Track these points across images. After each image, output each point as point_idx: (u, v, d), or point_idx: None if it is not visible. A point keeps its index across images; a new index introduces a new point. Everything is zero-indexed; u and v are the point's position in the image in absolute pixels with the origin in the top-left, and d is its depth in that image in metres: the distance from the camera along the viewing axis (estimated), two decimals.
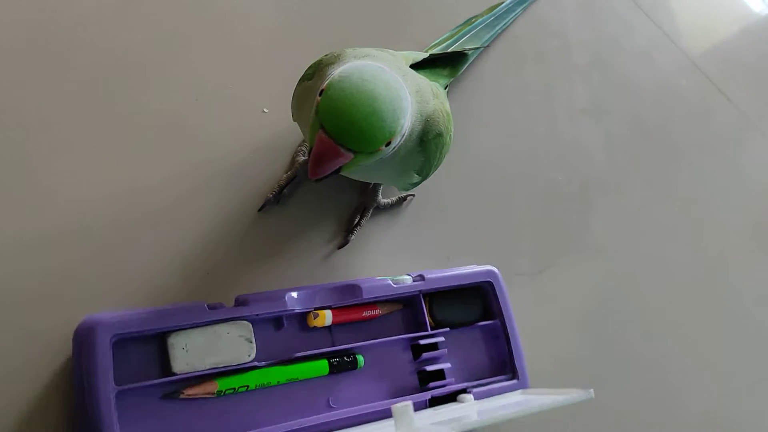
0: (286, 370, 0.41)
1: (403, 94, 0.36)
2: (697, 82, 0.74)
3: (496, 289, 0.48)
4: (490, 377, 0.48)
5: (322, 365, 0.42)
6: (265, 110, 0.50)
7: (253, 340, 0.40)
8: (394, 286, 0.45)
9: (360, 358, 0.44)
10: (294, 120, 0.45)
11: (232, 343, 0.40)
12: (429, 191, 0.53)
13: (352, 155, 0.35)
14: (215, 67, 0.50)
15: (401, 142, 0.37)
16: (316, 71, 0.41)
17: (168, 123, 0.47)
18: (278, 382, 0.41)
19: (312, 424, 0.40)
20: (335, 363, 0.43)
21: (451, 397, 0.46)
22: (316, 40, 0.53)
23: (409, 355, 0.46)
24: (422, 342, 0.46)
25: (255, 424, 0.40)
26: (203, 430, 0.39)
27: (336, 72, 0.36)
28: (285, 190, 0.48)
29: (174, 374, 0.38)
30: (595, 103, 0.66)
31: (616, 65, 0.69)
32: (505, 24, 0.63)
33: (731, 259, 0.68)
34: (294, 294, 0.42)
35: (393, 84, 0.35)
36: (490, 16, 0.61)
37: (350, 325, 0.45)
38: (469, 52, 0.56)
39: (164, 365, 0.39)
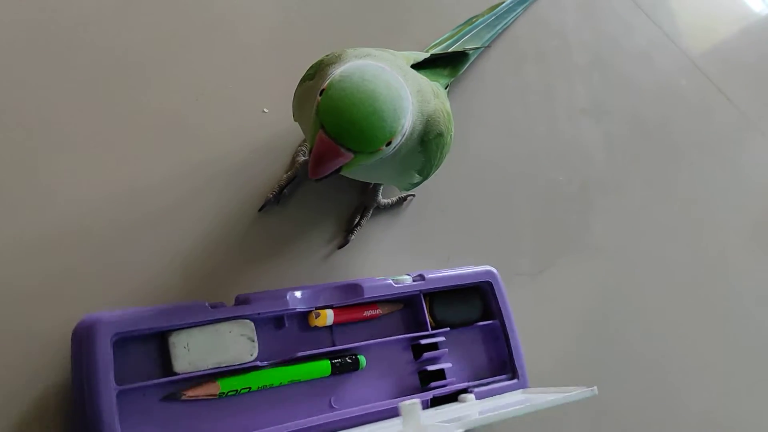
0: (289, 371, 0.41)
1: (403, 93, 0.36)
2: (697, 82, 0.74)
3: (495, 289, 0.49)
4: (490, 377, 0.48)
5: (325, 366, 0.42)
6: (265, 110, 0.50)
7: (256, 339, 0.40)
8: (395, 285, 0.45)
9: (362, 359, 0.44)
10: (295, 120, 0.45)
11: (234, 342, 0.39)
12: (429, 191, 0.53)
13: (352, 155, 0.35)
14: (215, 67, 0.50)
15: (402, 141, 0.37)
16: (317, 71, 0.41)
17: (168, 123, 0.47)
18: (280, 383, 0.41)
19: (314, 424, 0.40)
20: (337, 364, 0.43)
21: (452, 397, 0.46)
22: (316, 40, 0.53)
23: (409, 355, 0.46)
24: (423, 342, 0.46)
25: (257, 425, 0.40)
26: (205, 431, 0.39)
27: (337, 72, 0.35)
28: (285, 190, 0.48)
29: (175, 374, 0.38)
30: (596, 103, 0.66)
31: (617, 65, 0.69)
32: (505, 24, 0.63)
33: (731, 259, 0.68)
34: (296, 293, 0.42)
35: (394, 84, 0.35)
36: (490, 16, 0.61)
37: (351, 325, 0.45)
38: (470, 51, 0.56)
39: (165, 365, 0.38)
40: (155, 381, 0.37)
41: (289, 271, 0.47)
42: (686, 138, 0.71)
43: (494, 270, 0.49)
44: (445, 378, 0.46)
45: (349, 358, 0.43)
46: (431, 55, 0.50)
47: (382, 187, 0.51)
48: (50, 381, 0.38)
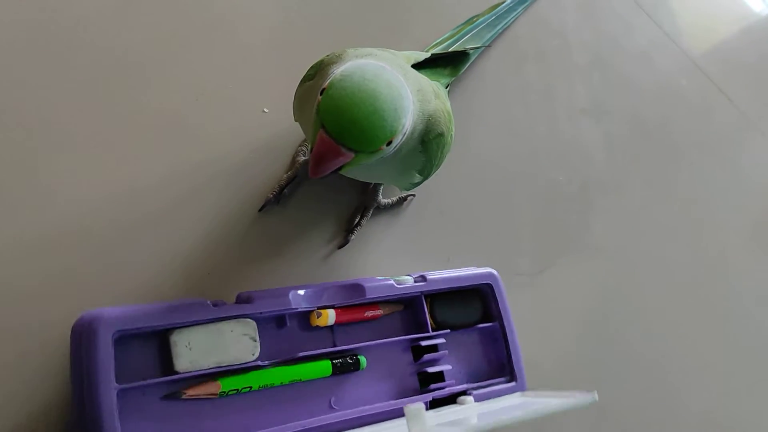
0: (290, 371, 0.41)
1: (404, 93, 0.36)
2: (698, 82, 0.74)
3: (495, 291, 0.48)
4: (489, 379, 0.48)
5: (325, 366, 0.42)
6: (265, 110, 0.50)
7: (258, 339, 0.40)
8: (397, 286, 0.45)
9: (362, 360, 0.44)
10: (295, 120, 0.45)
11: (235, 342, 0.39)
12: (429, 191, 0.53)
13: (353, 155, 0.35)
14: (215, 66, 0.50)
15: (403, 141, 0.37)
16: (317, 71, 0.41)
17: (168, 123, 0.47)
18: (281, 382, 0.41)
19: (314, 426, 0.40)
20: (338, 364, 0.43)
21: (451, 399, 0.46)
22: (316, 40, 0.53)
23: (409, 357, 0.46)
24: (423, 343, 0.46)
25: (258, 424, 0.40)
26: (206, 430, 0.39)
27: (338, 71, 0.35)
28: (285, 190, 0.48)
29: (177, 372, 0.37)
30: (596, 102, 0.66)
31: (617, 65, 0.69)
32: (506, 23, 0.63)
33: (731, 259, 0.68)
34: (299, 292, 0.42)
35: (394, 83, 0.35)
36: (491, 16, 0.61)
37: (351, 326, 0.45)
38: (471, 51, 0.56)
39: (166, 363, 0.38)
40: (156, 380, 0.37)
41: (289, 271, 0.47)
42: (686, 138, 0.71)
43: (495, 272, 0.49)
44: (444, 380, 0.46)
45: (350, 359, 0.43)
46: (432, 54, 0.50)
47: (382, 187, 0.51)
48: (50, 380, 0.38)
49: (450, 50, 0.55)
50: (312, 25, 0.55)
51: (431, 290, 0.46)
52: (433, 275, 0.47)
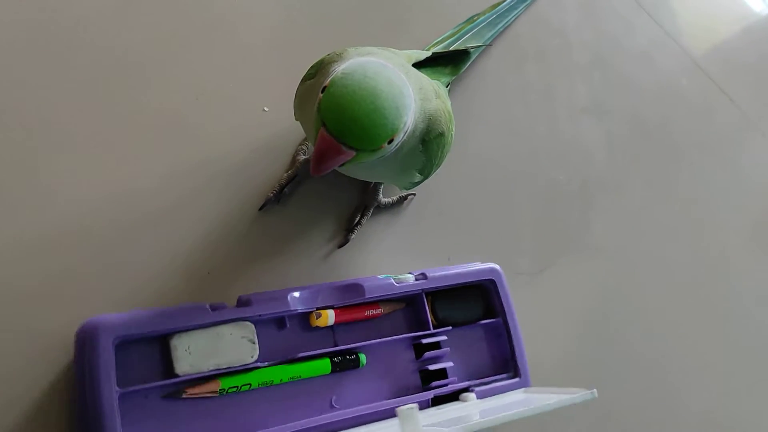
0: (289, 369, 0.41)
1: (406, 91, 0.36)
2: (698, 81, 0.74)
3: (499, 287, 0.48)
4: (492, 376, 0.48)
5: (325, 364, 0.42)
6: (265, 109, 0.50)
7: (256, 341, 0.40)
8: (397, 285, 0.45)
9: (362, 357, 0.44)
10: (296, 119, 0.45)
11: (235, 344, 0.39)
12: (430, 190, 0.53)
13: (354, 153, 0.35)
14: (215, 66, 0.50)
15: (404, 139, 0.37)
16: (318, 70, 0.41)
17: (168, 122, 0.47)
18: (281, 380, 0.41)
19: (315, 424, 0.40)
20: (338, 361, 0.43)
21: (454, 396, 0.46)
22: (316, 39, 0.53)
23: (411, 354, 0.46)
24: (425, 341, 0.46)
25: (258, 424, 0.40)
26: (206, 430, 0.39)
27: (339, 69, 0.35)
28: (286, 189, 0.48)
29: (177, 376, 0.38)
30: (596, 102, 0.66)
31: (617, 64, 0.69)
32: (506, 22, 0.63)
33: (731, 259, 0.68)
34: (296, 294, 0.42)
35: (396, 81, 0.35)
36: (491, 14, 0.61)
37: (352, 325, 0.45)
38: (472, 50, 0.55)
39: (167, 367, 0.38)
40: (157, 383, 0.38)
41: (289, 270, 0.47)
42: (687, 138, 0.71)
43: (498, 267, 0.49)
44: (446, 377, 0.46)
45: (349, 355, 0.43)
46: (432, 53, 0.50)
47: (382, 186, 0.51)
48: (52, 382, 0.38)
49: (450, 49, 0.55)
50: (312, 24, 0.55)
51: (432, 288, 0.46)
52: (435, 272, 0.47)
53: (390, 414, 0.43)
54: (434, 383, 0.46)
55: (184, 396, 0.38)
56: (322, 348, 0.43)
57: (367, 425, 0.42)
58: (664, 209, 0.66)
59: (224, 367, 0.39)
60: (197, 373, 0.38)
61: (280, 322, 0.42)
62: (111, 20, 0.47)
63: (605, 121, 0.66)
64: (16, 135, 0.42)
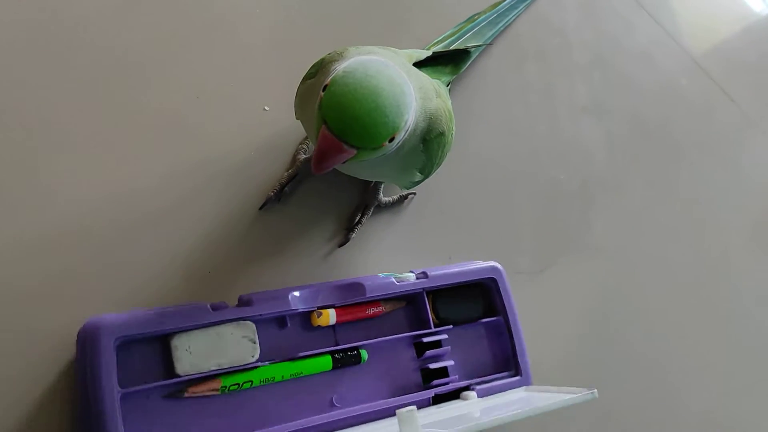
0: (290, 366, 0.41)
1: (407, 89, 0.36)
2: (699, 81, 0.74)
3: (500, 285, 0.48)
4: (493, 374, 0.48)
5: (326, 360, 0.42)
6: (266, 108, 0.50)
7: (257, 341, 0.40)
8: (398, 283, 0.45)
9: (363, 353, 0.44)
10: (297, 118, 0.45)
11: (235, 344, 0.39)
12: (430, 190, 0.53)
13: (355, 151, 0.35)
14: (216, 65, 0.50)
15: (405, 137, 0.37)
16: (319, 69, 0.41)
17: (169, 122, 0.47)
18: (282, 377, 0.41)
19: (317, 423, 0.40)
20: (339, 357, 0.43)
21: (455, 395, 0.46)
22: (317, 38, 0.53)
23: (412, 353, 0.46)
24: (425, 340, 0.46)
25: (260, 423, 0.40)
26: (208, 429, 0.39)
27: (340, 68, 0.35)
28: (286, 189, 0.48)
29: (178, 376, 0.38)
30: (596, 102, 0.66)
31: (618, 64, 0.69)
32: (507, 21, 0.63)
33: (732, 259, 0.68)
34: (297, 293, 0.42)
35: (397, 79, 0.35)
36: (492, 14, 0.61)
37: (353, 324, 0.45)
38: (472, 49, 0.55)
39: (168, 367, 0.38)
40: (158, 383, 0.38)
41: (290, 269, 0.47)
42: (687, 137, 0.71)
43: (499, 266, 0.49)
44: (447, 375, 0.46)
45: (350, 351, 0.43)
46: (433, 53, 0.50)
47: (383, 186, 0.51)
48: (52, 382, 0.39)
49: (451, 48, 0.55)
50: (312, 23, 0.55)
51: (433, 286, 0.46)
52: (435, 271, 0.47)
53: (391, 413, 0.43)
54: (435, 382, 0.46)
55: (185, 395, 0.38)
56: (323, 347, 0.43)
57: (367, 424, 0.42)
58: (665, 209, 0.66)
59: (225, 366, 0.39)
60: (198, 373, 0.38)
61: (281, 321, 0.42)
62: (111, 20, 0.47)
63: (605, 120, 0.66)
64: (16, 135, 0.42)
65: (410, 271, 0.47)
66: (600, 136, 0.65)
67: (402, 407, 0.36)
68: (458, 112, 0.47)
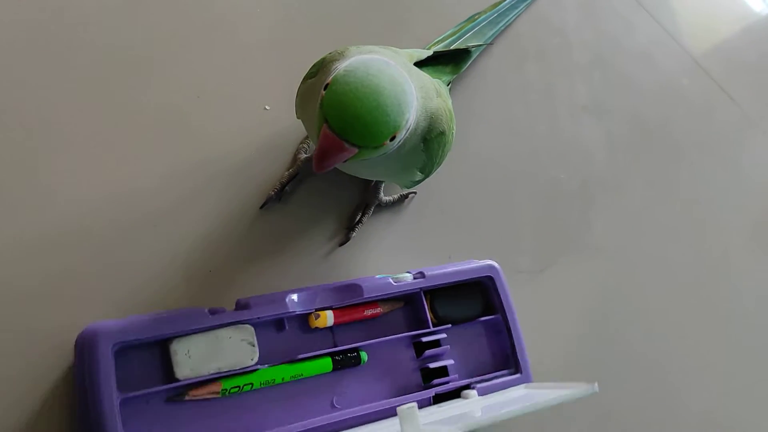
0: (290, 368, 0.41)
1: (408, 88, 0.36)
2: (699, 81, 0.74)
3: (497, 283, 0.48)
4: (493, 372, 0.48)
5: (326, 362, 0.42)
6: (266, 107, 0.50)
7: (256, 344, 0.40)
8: (395, 284, 0.45)
9: (363, 354, 0.44)
10: (298, 117, 0.45)
11: (234, 347, 0.39)
12: (431, 189, 0.53)
13: (356, 150, 0.35)
14: (216, 65, 0.50)
15: (406, 136, 0.37)
16: (320, 68, 0.41)
17: (169, 122, 0.47)
18: (282, 380, 0.41)
19: (317, 425, 0.40)
20: (339, 358, 0.43)
21: (455, 394, 0.46)
22: (317, 38, 0.53)
23: (411, 353, 0.46)
24: (424, 339, 0.46)
25: (260, 425, 0.40)
26: None
27: (341, 67, 0.35)
28: (287, 188, 0.48)
29: (177, 380, 0.38)
30: (597, 101, 0.66)
31: (618, 64, 0.69)
32: (508, 21, 0.63)
33: (732, 260, 0.68)
34: (294, 296, 0.42)
35: (398, 78, 0.35)
36: (493, 13, 0.61)
37: (352, 325, 0.45)
38: (473, 49, 0.55)
39: (167, 371, 0.38)
40: (157, 388, 0.37)
41: (290, 268, 0.47)
42: (687, 137, 0.71)
43: (496, 264, 0.49)
44: (447, 375, 0.46)
45: (350, 353, 0.43)
46: (433, 52, 0.50)
47: (383, 185, 0.51)
48: (52, 383, 0.38)
49: (452, 48, 0.55)
50: (313, 22, 0.55)
51: (430, 286, 0.46)
52: (432, 271, 0.47)
53: (391, 413, 0.43)
54: (435, 381, 0.46)
55: (186, 398, 0.38)
56: (322, 349, 0.43)
57: (369, 425, 0.42)
58: (665, 209, 0.66)
59: (225, 370, 0.39)
60: (198, 377, 0.38)
61: (279, 324, 0.42)
62: (111, 20, 0.47)
63: (605, 120, 0.66)
64: (16, 135, 0.42)
65: (407, 272, 0.47)
66: (600, 136, 0.65)
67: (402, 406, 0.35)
68: (459, 111, 0.47)
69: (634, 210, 0.64)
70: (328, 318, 0.43)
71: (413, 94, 0.36)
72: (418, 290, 0.46)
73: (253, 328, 0.40)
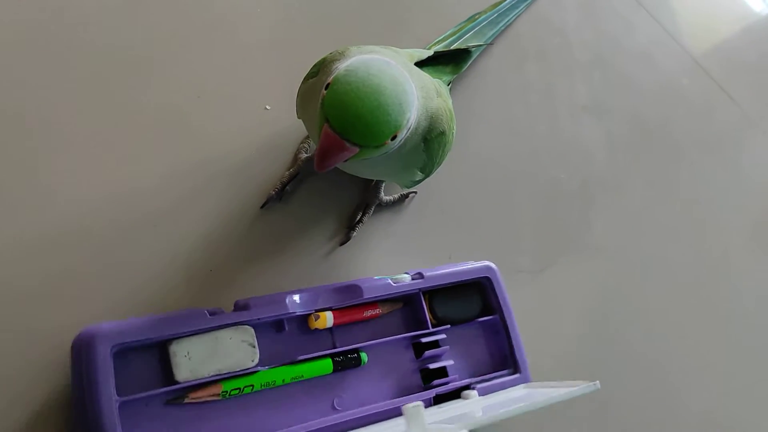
0: (291, 369, 0.41)
1: (409, 88, 0.36)
2: (699, 81, 0.74)
3: (494, 284, 0.48)
4: (492, 372, 0.48)
5: (326, 363, 0.42)
6: (267, 107, 0.50)
7: (256, 345, 0.40)
8: (394, 285, 0.45)
9: (364, 355, 0.44)
10: (298, 117, 0.45)
11: (234, 349, 0.39)
12: (431, 189, 0.53)
13: (357, 149, 0.35)
14: (217, 65, 0.50)
15: (407, 136, 0.37)
16: (320, 68, 0.41)
17: (170, 121, 0.47)
18: (283, 381, 0.41)
19: (318, 427, 0.40)
20: (339, 360, 0.43)
21: (455, 394, 0.46)
22: (317, 38, 0.53)
23: (411, 354, 0.46)
24: (424, 340, 0.46)
25: (260, 428, 0.40)
26: None
27: (342, 66, 0.35)
28: (287, 187, 0.48)
29: (177, 382, 0.37)
30: (597, 101, 0.66)
31: (618, 64, 0.69)
32: (508, 21, 0.63)
33: (732, 260, 0.68)
34: (295, 297, 0.42)
35: (399, 78, 0.35)
36: (493, 13, 0.61)
37: (351, 326, 0.45)
38: (473, 49, 0.55)
39: (167, 373, 0.38)
40: (157, 391, 0.37)
41: (290, 268, 0.47)
42: (687, 137, 0.71)
43: (492, 265, 0.49)
44: (447, 375, 0.46)
45: (351, 354, 0.43)
46: (434, 52, 0.50)
47: (384, 185, 0.51)
48: (52, 383, 0.38)
49: (452, 48, 0.55)
50: (313, 22, 0.55)
51: (429, 287, 0.46)
52: (431, 272, 0.47)
53: (392, 414, 0.42)
54: (435, 382, 0.46)
55: (186, 401, 0.38)
56: (322, 350, 0.42)
57: (370, 426, 0.42)
58: (665, 209, 0.66)
59: (225, 372, 0.39)
60: (198, 379, 0.38)
61: (278, 325, 0.42)
62: (111, 20, 0.47)
63: (606, 120, 0.66)
64: (16, 135, 0.42)
65: (406, 273, 0.47)
66: (600, 135, 0.65)
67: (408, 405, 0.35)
68: (459, 111, 0.47)
69: (634, 210, 0.64)
70: (327, 319, 0.43)
71: (414, 94, 0.36)
72: (417, 291, 0.46)
73: (253, 330, 0.40)
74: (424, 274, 0.46)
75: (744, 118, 0.75)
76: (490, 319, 0.49)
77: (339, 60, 0.39)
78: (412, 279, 0.46)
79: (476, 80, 0.60)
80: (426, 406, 0.44)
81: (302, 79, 0.43)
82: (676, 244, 0.65)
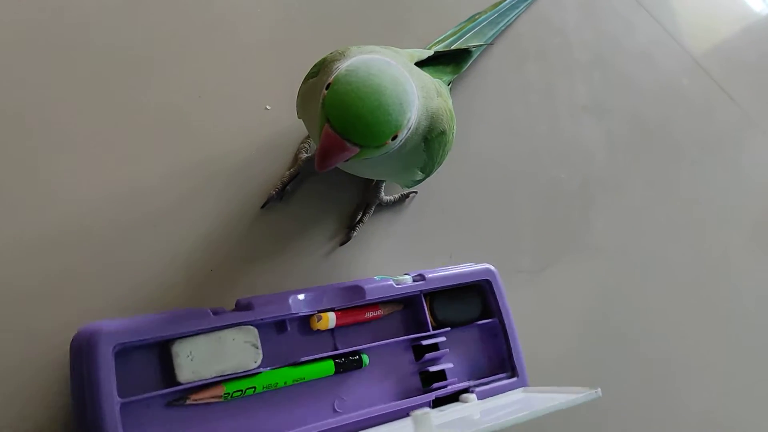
0: (293, 371, 0.41)
1: (409, 88, 0.36)
2: (699, 81, 0.74)
3: (494, 287, 0.48)
4: (490, 375, 0.48)
5: (328, 365, 0.42)
6: (267, 107, 0.50)
7: (260, 346, 0.39)
8: (396, 286, 0.45)
9: (365, 357, 0.44)
10: (299, 117, 0.44)
11: (238, 350, 0.39)
12: (431, 188, 0.53)
13: (358, 149, 0.35)
14: (217, 65, 0.50)
15: (407, 135, 0.37)
16: (321, 68, 0.41)
17: (170, 121, 0.47)
18: (285, 383, 0.41)
19: (319, 430, 0.40)
20: (341, 361, 0.43)
21: (454, 397, 0.46)
22: (318, 38, 0.53)
23: (411, 356, 0.46)
24: (424, 342, 0.46)
25: (261, 430, 0.39)
26: None
27: (343, 66, 0.35)
28: (288, 187, 0.48)
29: (179, 384, 0.37)
30: (597, 101, 0.66)
31: (618, 64, 0.69)
32: (508, 21, 0.63)
33: (732, 260, 0.68)
34: (299, 296, 0.41)
35: (400, 78, 0.35)
36: (493, 13, 0.61)
37: (352, 327, 0.45)
38: (473, 49, 0.55)
39: (169, 374, 0.37)
40: (159, 392, 0.37)
41: (291, 268, 0.47)
42: (687, 137, 0.71)
43: (493, 268, 0.49)
44: (446, 378, 0.46)
45: (353, 356, 0.43)
46: (434, 52, 0.50)
47: (384, 184, 0.51)
48: (52, 383, 0.38)
49: (452, 48, 0.55)
50: (313, 22, 0.54)
51: (430, 289, 0.46)
52: (432, 274, 0.47)
53: (392, 417, 0.42)
54: (435, 384, 0.46)
55: (188, 402, 0.38)
56: (323, 351, 0.42)
57: (370, 429, 0.41)
58: (665, 208, 0.66)
59: (228, 373, 0.38)
60: (200, 380, 0.37)
61: (280, 326, 0.42)
62: (111, 20, 0.47)
63: (606, 120, 0.66)
64: (16, 135, 0.42)
65: (407, 274, 0.47)
66: (600, 135, 0.65)
67: (403, 411, 0.35)
68: (459, 111, 0.47)
69: (634, 210, 0.64)
70: (330, 320, 0.42)
71: (414, 94, 0.36)
72: (419, 293, 0.46)
73: (256, 330, 0.40)
74: (426, 275, 0.46)
75: (744, 118, 0.75)
76: (489, 322, 0.49)
77: (339, 60, 0.39)
78: (414, 280, 0.46)
79: (476, 80, 0.60)
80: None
81: (302, 79, 0.43)
82: (676, 244, 0.65)
